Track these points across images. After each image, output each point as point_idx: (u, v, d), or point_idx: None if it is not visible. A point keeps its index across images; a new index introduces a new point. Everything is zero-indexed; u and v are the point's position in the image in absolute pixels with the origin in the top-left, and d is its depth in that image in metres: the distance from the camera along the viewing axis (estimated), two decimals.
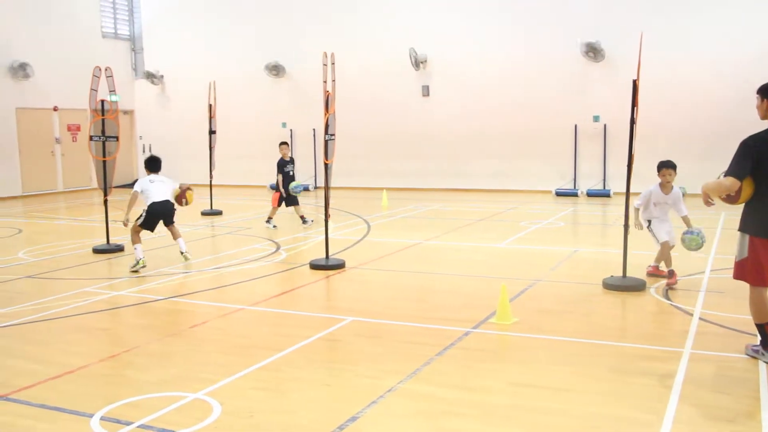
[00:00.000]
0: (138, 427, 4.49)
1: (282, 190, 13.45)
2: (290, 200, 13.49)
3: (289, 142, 22.62)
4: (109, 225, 11.45)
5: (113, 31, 24.33)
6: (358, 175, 21.30)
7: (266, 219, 13.52)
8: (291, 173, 13.58)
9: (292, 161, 13.84)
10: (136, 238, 9.85)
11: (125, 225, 10.02)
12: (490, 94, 19.93)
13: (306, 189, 13.47)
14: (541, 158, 19.57)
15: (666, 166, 8.35)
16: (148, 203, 9.98)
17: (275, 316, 7.29)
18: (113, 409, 4.77)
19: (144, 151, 25.20)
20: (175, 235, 10.26)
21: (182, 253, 10.05)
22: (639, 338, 6.35)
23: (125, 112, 24.25)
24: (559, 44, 18.99)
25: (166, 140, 24.56)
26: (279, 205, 13.44)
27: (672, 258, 8.38)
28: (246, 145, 22.95)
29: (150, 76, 24.36)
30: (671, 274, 8.22)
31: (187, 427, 4.46)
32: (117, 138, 11.63)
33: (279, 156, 13.72)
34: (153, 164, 10.34)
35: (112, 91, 11.75)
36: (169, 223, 10.24)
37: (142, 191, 10.08)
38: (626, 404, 4.80)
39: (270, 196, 14.05)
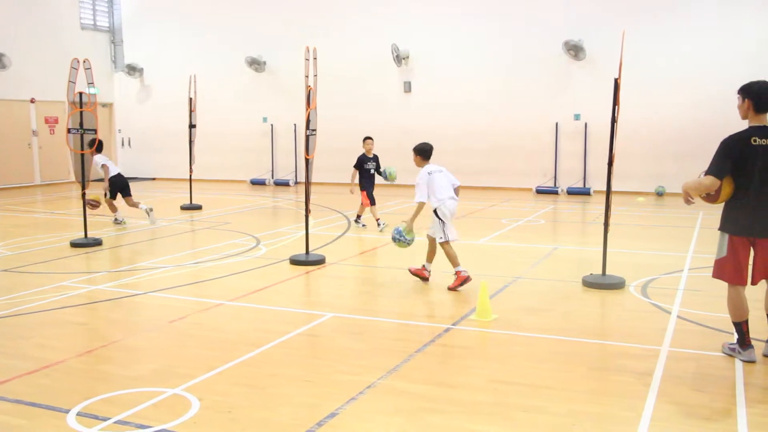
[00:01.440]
0: (115, 422, 4.44)
1: (358, 186, 12.69)
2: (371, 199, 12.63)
3: (271, 138, 22.55)
4: (87, 218, 11.32)
5: (92, 22, 24.06)
6: (339, 170, 21.21)
7: (355, 218, 12.89)
8: (372, 171, 12.65)
9: (375, 158, 12.77)
10: (113, 208, 12.59)
11: (105, 196, 12.52)
12: (472, 92, 19.96)
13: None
14: (522, 156, 19.64)
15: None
16: (110, 176, 12.72)
17: (255, 311, 7.25)
18: (90, 405, 4.72)
19: (123, 145, 25.00)
20: (134, 204, 12.82)
21: (147, 211, 12.67)
22: (618, 336, 6.38)
23: (104, 105, 24.03)
24: (541, 42, 19.05)
25: (146, 134, 24.38)
26: (372, 202, 12.56)
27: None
28: (226, 140, 22.83)
29: (129, 69, 24.14)
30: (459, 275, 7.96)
31: (165, 423, 4.42)
32: (95, 131, 11.50)
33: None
34: (102, 146, 12.89)
35: (91, 84, 11.62)
36: (127, 194, 12.89)
37: (107, 164, 12.65)
38: (605, 401, 4.82)
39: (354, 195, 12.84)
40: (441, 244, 8.16)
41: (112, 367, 5.59)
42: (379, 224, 12.37)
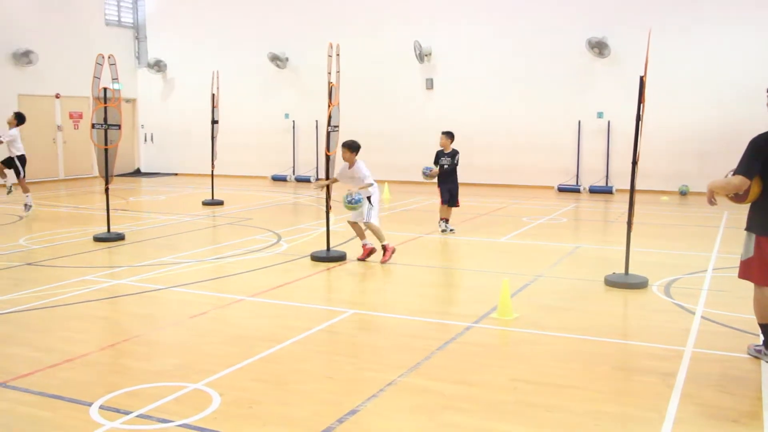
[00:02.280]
0: (137, 416, 4.47)
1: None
2: (451, 199, 11.72)
3: (292, 134, 22.59)
4: (110, 213, 11.42)
5: (117, 18, 24.24)
6: None
7: (439, 220, 11.89)
8: (446, 166, 11.61)
9: (451, 154, 11.73)
10: (2, 174, 14.12)
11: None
12: (494, 89, 19.86)
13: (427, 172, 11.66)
14: (544, 154, 19.51)
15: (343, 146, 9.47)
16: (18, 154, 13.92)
17: (276, 307, 7.27)
18: (113, 398, 4.75)
19: (145, 140, 25.17)
20: (26, 189, 13.87)
21: (27, 205, 13.84)
22: (641, 336, 6.32)
23: (127, 101, 24.20)
24: (564, 39, 18.91)
25: (168, 129, 24.52)
26: (444, 201, 11.76)
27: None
28: (248, 136, 22.91)
29: (153, 65, 24.30)
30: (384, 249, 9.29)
31: (186, 417, 4.44)
32: (119, 126, 11.58)
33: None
34: (23, 120, 14.16)
35: (115, 79, 11.70)
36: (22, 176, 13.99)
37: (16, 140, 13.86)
38: (628, 402, 4.78)
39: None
40: (368, 223, 9.40)
41: (134, 362, 5.63)
42: (440, 225, 11.75)
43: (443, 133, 12.00)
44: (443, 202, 11.70)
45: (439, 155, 11.80)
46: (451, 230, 11.63)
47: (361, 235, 9.59)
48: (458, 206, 11.89)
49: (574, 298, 7.58)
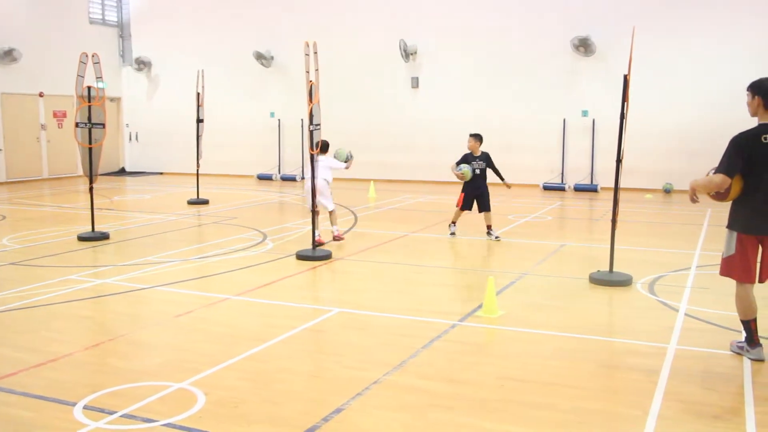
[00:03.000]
0: (121, 416, 4.45)
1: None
2: (482, 204, 11.09)
3: (278, 133, 22.54)
4: (95, 212, 11.35)
5: (101, 17, 24.09)
6: None
7: (449, 224, 11.40)
8: (478, 171, 11.07)
9: (484, 157, 11.29)
10: None
11: None
12: (479, 87, 19.90)
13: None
14: (529, 152, 19.57)
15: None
16: None
17: (261, 306, 7.25)
18: (97, 398, 4.73)
19: (130, 139, 25.04)
20: None
21: None
22: (625, 333, 6.37)
23: (112, 99, 24.07)
24: (549, 37, 18.98)
25: (153, 128, 24.41)
26: (465, 207, 11.11)
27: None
28: (234, 135, 22.84)
29: (137, 64, 24.17)
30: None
31: (171, 417, 4.42)
32: (103, 125, 11.51)
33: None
34: None
35: (99, 78, 11.63)
36: None
37: None
38: (612, 399, 4.81)
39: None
40: (331, 211, 10.75)
41: (119, 361, 5.60)
42: (491, 233, 10.96)
43: (472, 135, 11.52)
44: (463, 207, 11.07)
45: (469, 159, 11.15)
46: (496, 238, 10.89)
47: (324, 220, 10.87)
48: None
49: (560, 295, 7.62)
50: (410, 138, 20.89)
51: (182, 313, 6.89)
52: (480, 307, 6.93)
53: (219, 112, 21.82)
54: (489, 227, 11.02)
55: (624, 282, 7.98)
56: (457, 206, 11.20)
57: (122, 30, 24.75)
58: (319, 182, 10.13)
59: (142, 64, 24.17)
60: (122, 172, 24.79)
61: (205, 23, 23.15)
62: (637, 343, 6.00)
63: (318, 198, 10.11)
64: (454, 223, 11.32)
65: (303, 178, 21.86)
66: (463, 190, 11.14)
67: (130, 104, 24.95)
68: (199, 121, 15.96)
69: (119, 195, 18.04)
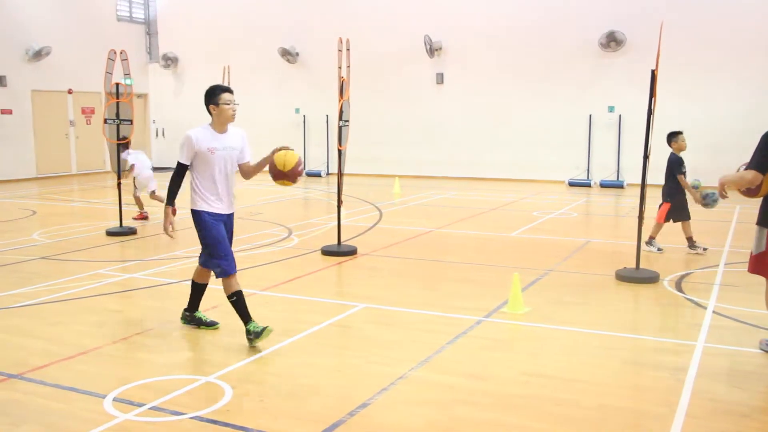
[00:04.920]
0: (150, 408, 4.51)
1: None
2: (679, 213, 9.72)
3: (303, 129, 22.62)
4: (122, 208, 11.48)
5: (128, 14, 24.33)
6: (370, 162, 21.25)
7: (647, 240, 9.66)
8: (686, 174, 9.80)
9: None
10: None
11: None
12: (504, 83, 19.82)
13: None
14: (554, 148, 19.46)
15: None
16: None
17: (286, 301, 7.30)
18: (126, 391, 4.79)
19: (157, 136, 25.28)
20: None
21: None
22: (651, 330, 6.32)
23: (139, 96, 24.29)
24: (576, 32, 18.85)
25: (180, 124, 24.54)
26: (667, 219, 9.73)
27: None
28: (259, 130, 22.89)
29: (164, 60, 24.38)
30: None
31: (198, 410, 4.47)
32: (131, 121, 11.65)
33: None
34: None
35: (127, 75, 11.76)
36: None
37: None
38: (638, 397, 4.78)
39: None
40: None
41: (147, 354, 5.67)
42: (695, 246, 9.62)
43: (680, 133, 10.00)
44: (667, 219, 9.68)
45: (680, 162, 9.76)
46: (704, 249, 9.59)
47: (140, 205, 12.43)
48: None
49: (585, 292, 7.57)
50: (435, 134, 20.86)
51: (209, 308, 6.94)
52: (505, 303, 6.92)
53: (244, 107, 21.78)
54: (691, 239, 9.68)
55: (651, 279, 7.91)
56: (659, 221, 9.75)
57: (149, 27, 24.97)
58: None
59: (169, 61, 24.37)
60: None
61: (231, 19, 23.27)
62: (663, 341, 5.95)
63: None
64: (653, 237, 9.78)
65: (328, 173, 21.94)
66: (669, 200, 9.71)
67: (156, 100, 25.18)
68: None
69: (147, 190, 18.16)
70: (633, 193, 16.83)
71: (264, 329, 5.69)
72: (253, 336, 5.67)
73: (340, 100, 9.59)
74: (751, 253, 5.57)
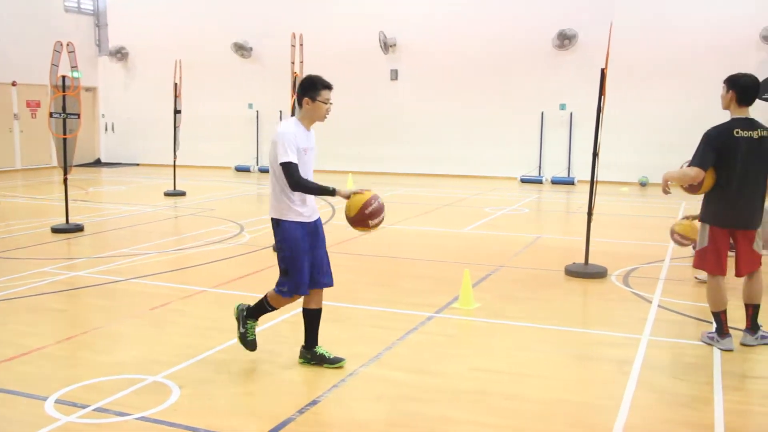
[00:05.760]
0: (94, 410, 4.42)
1: None
2: None
3: (256, 124, 22.43)
4: (69, 204, 11.23)
5: (76, 5, 23.76)
6: (324, 158, 21.01)
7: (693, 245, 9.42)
8: None
9: None
10: None
11: None
12: (458, 80, 19.92)
13: None
14: (507, 145, 19.64)
15: None
16: None
17: (237, 298, 7.19)
18: (69, 392, 4.69)
19: (106, 130, 24.79)
20: None
21: None
22: (599, 325, 6.43)
23: (88, 89, 23.77)
24: (528, 30, 19.03)
25: (130, 119, 24.17)
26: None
27: None
28: (212, 126, 22.68)
29: (114, 53, 23.90)
30: None
31: (144, 410, 4.40)
32: (78, 115, 11.39)
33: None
34: None
35: (74, 67, 11.49)
36: None
37: None
38: (586, 390, 4.86)
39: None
40: None
41: (93, 354, 5.56)
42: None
43: None
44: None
45: None
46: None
47: None
48: None
49: (535, 287, 7.67)
50: (389, 130, 20.87)
51: (158, 306, 6.85)
52: (456, 299, 6.96)
53: (197, 102, 21.63)
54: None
55: (599, 274, 8.05)
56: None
57: (98, 19, 24.44)
58: None
59: (119, 54, 23.90)
60: (98, 163, 24.54)
61: (184, 13, 22.91)
62: (610, 334, 6.06)
63: None
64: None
65: None
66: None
67: (106, 94, 24.68)
68: (177, 112, 15.83)
69: (94, 186, 17.86)
70: (583, 189, 17.06)
71: (338, 360, 5.19)
72: (322, 361, 5.16)
73: (292, 96, 9.53)
74: (695, 248, 5.71)
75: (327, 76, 5.39)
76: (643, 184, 18.03)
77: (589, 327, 6.39)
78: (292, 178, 4.88)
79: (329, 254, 5.48)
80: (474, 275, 7.71)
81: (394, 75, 20.77)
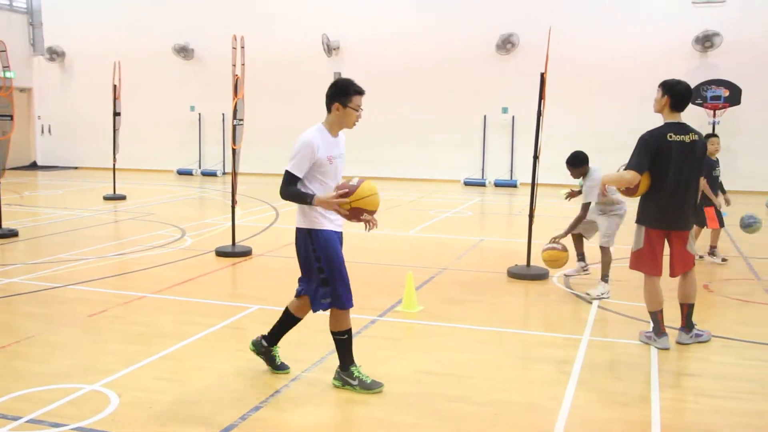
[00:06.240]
0: (27, 421, 4.28)
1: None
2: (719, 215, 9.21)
3: (198, 127, 22.11)
4: (2, 208, 10.87)
5: (8, 2, 23.05)
6: (267, 161, 20.99)
7: (709, 250, 9.34)
8: (720, 178, 9.34)
9: (718, 162, 9.30)
10: None
11: None
12: (402, 83, 20.00)
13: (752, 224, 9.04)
14: (450, 148, 19.81)
15: None
16: None
17: (179, 303, 7.11)
18: (1, 404, 4.53)
19: (42, 132, 24.12)
20: None
21: None
22: (541, 326, 6.53)
23: (22, 90, 23.09)
24: (471, 34, 19.23)
25: (68, 121, 23.57)
26: (722, 224, 9.22)
27: None
28: (152, 128, 22.27)
29: (50, 53, 23.27)
30: None
31: (81, 420, 4.28)
32: (11, 117, 11.05)
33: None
34: None
35: (6, 67, 11.15)
36: None
37: None
38: (528, 391, 4.91)
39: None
40: None
41: (26, 364, 5.38)
42: (714, 255, 9.29)
43: (713, 135, 9.23)
44: (721, 224, 9.16)
45: (710, 164, 9.02)
46: (723, 260, 9.26)
47: None
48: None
49: (478, 290, 7.74)
50: None
51: (96, 312, 6.69)
52: (400, 302, 6.98)
53: (137, 105, 21.23)
54: (713, 248, 9.36)
55: (540, 276, 8.17)
56: (712, 227, 9.14)
57: (32, 17, 23.75)
58: None
59: (55, 54, 23.28)
60: (33, 166, 23.86)
61: (122, 13, 22.44)
62: (551, 335, 6.16)
63: None
64: (714, 246, 9.34)
65: (225, 173, 21.56)
66: (709, 206, 9.05)
67: (42, 95, 24.01)
68: (116, 114, 15.50)
69: (30, 190, 17.35)
70: (526, 192, 17.33)
71: (376, 386, 4.82)
72: (358, 384, 4.78)
73: (234, 99, 9.43)
74: (631, 250, 5.84)
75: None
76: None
77: (531, 328, 6.48)
78: (283, 187, 4.82)
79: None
80: (417, 278, 7.75)
81: (338, 78, 20.71)
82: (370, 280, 8.14)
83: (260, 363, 5.35)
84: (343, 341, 4.86)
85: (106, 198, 15.16)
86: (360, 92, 5.07)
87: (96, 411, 4.43)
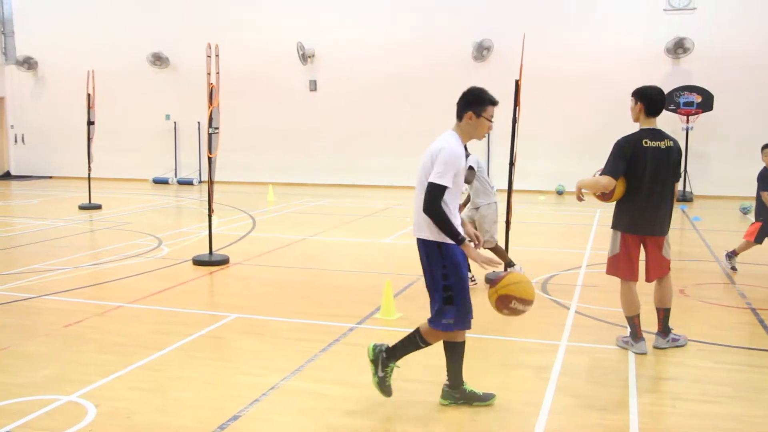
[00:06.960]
0: None
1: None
2: (763, 233, 8.76)
3: (174, 136, 21.99)
4: None
5: None
6: (244, 169, 20.95)
7: (728, 253, 9.18)
8: None
9: None
10: None
11: None
12: (378, 90, 20.04)
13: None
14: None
15: None
16: None
17: (156, 313, 7.05)
18: None
19: (16, 141, 23.85)
20: None
21: None
22: (519, 332, 6.55)
23: None
24: (447, 41, 19.32)
25: (41, 130, 23.32)
26: (758, 240, 8.78)
27: None
28: (128, 137, 22.12)
29: (23, 62, 23.00)
30: None
31: None
32: None
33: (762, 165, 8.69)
34: None
35: None
36: None
37: None
38: (506, 397, 4.93)
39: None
40: None
41: (1, 375, 5.30)
42: (730, 259, 9.14)
43: None
44: (758, 239, 8.79)
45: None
46: (733, 268, 9.11)
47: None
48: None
49: None
50: (308, 141, 20.82)
51: (72, 323, 6.61)
52: (378, 309, 6.98)
53: (112, 113, 21.06)
54: (736, 252, 9.13)
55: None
56: (749, 239, 8.85)
57: (4, 26, 23.44)
58: None
59: (28, 63, 23.03)
60: (7, 176, 23.57)
61: (96, 21, 22.27)
62: (530, 341, 6.19)
63: None
64: (736, 253, 9.11)
65: (201, 181, 21.45)
66: (761, 218, 8.75)
67: (14, 104, 23.74)
68: (90, 123, 15.36)
69: (4, 200, 17.14)
70: (502, 198, 17.42)
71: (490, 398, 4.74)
72: (469, 398, 4.70)
73: (209, 107, 9.40)
74: (608, 255, 5.90)
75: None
76: (560, 193, 18.53)
77: (509, 334, 6.50)
78: (434, 202, 4.51)
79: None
80: (395, 285, 7.75)
81: (313, 86, 20.75)
82: (348, 288, 8.14)
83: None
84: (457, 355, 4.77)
85: (81, 207, 15.01)
86: (494, 102, 4.81)
87: (73, 422, 4.38)
